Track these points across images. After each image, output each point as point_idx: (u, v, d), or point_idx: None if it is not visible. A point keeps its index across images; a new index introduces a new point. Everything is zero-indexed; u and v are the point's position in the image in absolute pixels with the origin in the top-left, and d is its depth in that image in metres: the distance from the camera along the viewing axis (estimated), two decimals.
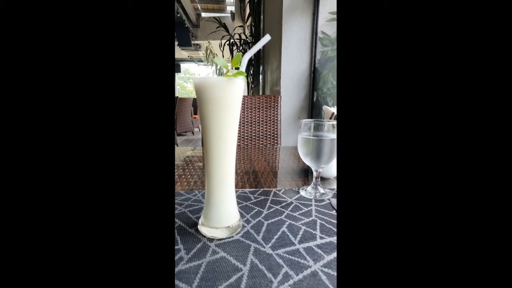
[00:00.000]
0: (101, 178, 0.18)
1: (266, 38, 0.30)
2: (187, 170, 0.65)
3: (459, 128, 0.16)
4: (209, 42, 6.04)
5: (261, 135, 1.19)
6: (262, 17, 2.34)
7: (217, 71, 6.19)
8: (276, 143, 1.18)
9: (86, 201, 0.17)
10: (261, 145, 1.18)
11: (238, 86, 0.31)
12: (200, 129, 0.33)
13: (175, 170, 0.65)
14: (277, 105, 1.21)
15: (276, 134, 1.19)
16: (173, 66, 0.20)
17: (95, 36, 0.17)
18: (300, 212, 0.42)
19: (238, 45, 2.53)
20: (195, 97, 0.32)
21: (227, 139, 0.32)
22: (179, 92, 11.33)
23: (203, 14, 6.64)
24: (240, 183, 0.56)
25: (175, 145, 3.66)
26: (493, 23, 0.15)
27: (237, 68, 0.31)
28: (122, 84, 0.18)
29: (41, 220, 0.16)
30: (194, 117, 5.12)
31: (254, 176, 0.61)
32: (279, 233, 0.35)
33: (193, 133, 5.07)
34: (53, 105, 0.17)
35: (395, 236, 0.17)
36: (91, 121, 0.17)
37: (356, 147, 0.18)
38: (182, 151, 0.89)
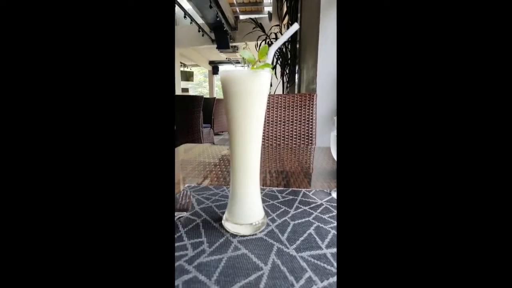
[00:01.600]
0: (101, 177, 0.18)
1: (294, 27, 0.29)
2: (218, 166, 0.67)
3: (459, 127, 0.16)
4: (246, 43, 6.15)
5: (295, 135, 1.16)
6: (299, 15, 2.29)
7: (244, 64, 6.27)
8: (311, 143, 1.14)
9: (85, 200, 0.17)
10: (295, 145, 1.15)
11: (264, 79, 0.30)
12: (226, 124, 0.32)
13: (207, 166, 0.67)
14: (312, 104, 1.17)
15: (311, 134, 1.15)
16: (173, 66, 0.20)
17: (94, 35, 0.17)
18: (330, 215, 0.39)
19: None
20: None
21: (253, 133, 0.31)
22: (217, 93, 11.77)
23: (241, 17, 6.80)
24: (268, 181, 0.55)
25: (212, 143, 3.81)
26: (493, 23, 0.15)
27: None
28: (121, 83, 0.18)
29: (41, 220, 0.16)
30: None
31: (284, 176, 0.59)
32: (305, 235, 0.33)
33: (227, 125, 5.22)
34: (53, 105, 0.17)
35: (395, 235, 0.17)
36: (89, 120, 0.17)
37: (356, 147, 0.18)
38: (218, 149, 0.91)
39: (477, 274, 0.15)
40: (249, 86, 0.29)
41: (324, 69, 1.52)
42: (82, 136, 0.17)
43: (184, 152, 0.85)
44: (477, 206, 0.15)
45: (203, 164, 0.69)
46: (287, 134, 1.16)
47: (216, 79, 11.01)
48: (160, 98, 0.19)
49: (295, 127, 1.17)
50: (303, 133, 1.16)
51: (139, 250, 0.18)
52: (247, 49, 0.29)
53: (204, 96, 3.48)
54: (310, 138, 1.15)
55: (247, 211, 0.34)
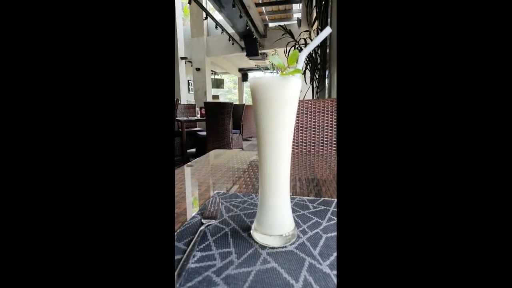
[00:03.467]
0: (100, 179, 0.18)
1: (327, 30, 0.27)
2: (246, 173, 0.66)
3: (459, 128, 0.16)
4: (275, 50, 6.19)
5: (326, 141, 1.12)
6: (329, 20, 2.24)
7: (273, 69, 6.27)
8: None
9: (84, 201, 0.17)
10: (325, 152, 1.11)
11: (294, 85, 0.29)
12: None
13: (236, 172, 0.67)
14: (331, 111, 1.12)
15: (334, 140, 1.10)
16: (172, 69, 0.20)
17: (94, 35, 0.17)
18: None
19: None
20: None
21: (282, 141, 0.30)
22: (246, 100, 11.98)
23: (270, 24, 6.88)
24: (299, 189, 0.53)
25: (242, 149, 3.86)
26: (493, 23, 0.15)
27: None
28: (121, 85, 0.18)
29: (41, 220, 0.17)
30: None
31: (315, 184, 0.57)
32: None
33: (255, 132, 5.25)
34: (53, 105, 0.17)
35: (395, 236, 0.17)
36: (90, 122, 0.17)
37: (356, 148, 0.18)
38: (247, 155, 0.91)
39: (476, 275, 0.15)
40: (279, 92, 0.28)
41: None
42: (81, 136, 0.18)
43: (214, 158, 0.86)
44: (477, 209, 0.15)
45: (232, 170, 0.69)
46: (317, 140, 1.13)
47: (246, 85, 11.23)
48: (159, 99, 0.19)
49: (326, 133, 1.12)
50: (334, 139, 1.11)
51: (138, 251, 0.18)
52: (277, 55, 0.28)
53: (234, 103, 3.56)
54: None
55: (277, 221, 0.32)
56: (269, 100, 0.29)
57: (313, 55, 2.48)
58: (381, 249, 0.17)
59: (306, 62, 2.45)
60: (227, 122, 3.02)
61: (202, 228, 0.36)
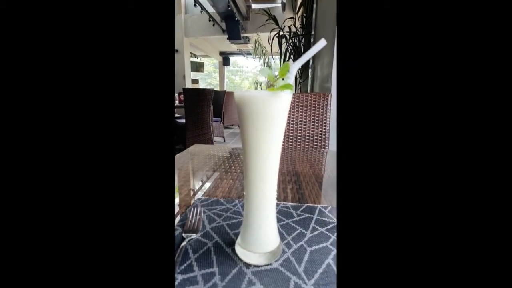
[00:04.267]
0: (99, 176, 0.17)
1: (321, 43, 0.25)
2: (229, 174, 0.65)
3: (459, 129, 0.16)
4: (258, 35, 6.02)
5: (308, 136, 1.13)
6: (314, 6, 2.19)
7: (265, 65, 6.15)
8: (324, 145, 1.10)
9: (84, 200, 0.17)
10: (307, 147, 1.12)
11: (284, 101, 0.27)
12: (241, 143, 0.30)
13: (218, 173, 0.65)
14: (326, 104, 1.12)
15: (324, 136, 1.11)
16: (172, 62, 0.19)
17: (93, 29, 0.17)
18: None
19: (288, 38, 2.44)
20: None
21: (270, 159, 0.29)
22: (227, 85, 11.71)
23: (253, 6, 6.62)
24: (282, 194, 0.53)
25: (223, 137, 3.80)
26: (493, 23, 0.15)
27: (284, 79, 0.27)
28: (120, 81, 0.17)
29: (40, 220, 0.16)
30: None
31: (298, 187, 0.57)
32: (323, 266, 0.31)
33: (239, 126, 5.20)
34: (52, 102, 0.16)
35: (396, 237, 0.17)
36: (88, 119, 0.17)
37: (356, 151, 0.18)
38: (229, 151, 0.89)
39: (475, 275, 0.15)
40: (267, 109, 0.27)
41: None
42: (80, 134, 0.17)
43: (195, 155, 0.83)
44: (478, 208, 0.15)
45: (214, 169, 0.67)
46: (299, 135, 1.13)
47: (227, 70, 10.93)
48: (159, 97, 0.18)
49: (308, 128, 1.13)
50: (316, 134, 1.12)
51: (138, 251, 0.18)
52: (259, 40, 0.26)
53: (214, 89, 3.46)
54: (323, 140, 1.11)
55: (262, 239, 0.31)
56: (257, 116, 0.27)
57: (297, 43, 2.43)
58: (381, 250, 0.17)
59: (289, 51, 2.41)
60: (207, 110, 2.93)
61: (183, 244, 0.34)
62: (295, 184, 0.58)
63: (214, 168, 0.69)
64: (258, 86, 8.52)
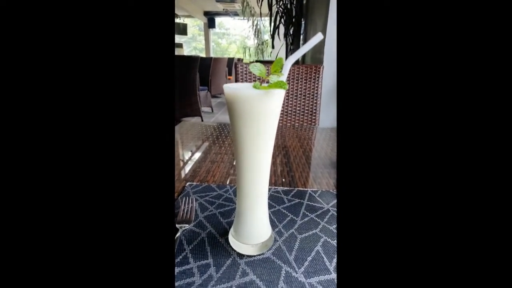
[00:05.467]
0: (97, 171, 0.17)
1: (318, 37, 0.23)
2: (219, 156, 0.64)
3: (459, 129, 0.16)
4: None
5: (298, 111, 1.11)
6: None
7: (255, 30, 5.78)
8: (314, 121, 1.10)
9: (82, 197, 0.17)
10: (297, 122, 1.11)
11: (276, 100, 0.25)
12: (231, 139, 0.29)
13: (208, 155, 0.64)
14: (318, 77, 1.09)
15: (315, 110, 1.10)
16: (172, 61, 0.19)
17: (91, 19, 0.16)
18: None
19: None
20: (230, 56, 0.28)
21: (262, 158, 0.28)
22: (213, 50, 11.07)
23: None
24: (273, 177, 0.53)
25: (210, 107, 3.72)
26: (493, 23, 0.15)
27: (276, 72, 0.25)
28: (120, 76, 0.17)
29: (37, 221, 0.16)
30: (229, 79, 5.04)
31: (289, 169, 0.58)
32: (313, 253, 0.33)
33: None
34: (50, 95, 0.16)
35: (396, 236, 0.16)
36: (86, 111, 0.17)
37: (357, 149, 0.18)
38: (218, 128, 0.88)
39: (477, 275, 0.15)
40: (259, 108, 0.25)
41: (334, 35, 1.38)
42: (78, 128, 0.17)
43: (183, 135, 0.81)
44: (479, 207, 0.15)
45: (203, 151, 0.66)
46: (290, 109, 1.11)
47: (212, 33, 10.22)
48: (160, 95, 0.18)
49: (298, 102, 1.11)
50: (307, 109, 1.11)
51: (137, 249, 0.18)
52: (257, 63, 0.24)
53: (200, 55, 3.27)
54: (314, 115, 1.10)
55: (255, 231, 0.32)
56: (248, 115, 0.26)
57: (288, 5, 2.27)
58: (382, 250, 0.17)
59: (280, 14, 2.25)
60: (193, 79, 2.80)
61: (177, 235, 0.34)
62: (286, 166, 0.59)
63: (205, 150, 0.69)
64: (247, 51, 8.10)
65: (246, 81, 1.10)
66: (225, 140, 0.75)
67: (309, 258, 0.32)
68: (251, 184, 0.30)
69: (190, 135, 0.80)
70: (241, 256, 0.32)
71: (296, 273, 0.30)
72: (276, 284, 0.28)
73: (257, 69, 0.24)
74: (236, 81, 1.11)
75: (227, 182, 0.51)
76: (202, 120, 3.17)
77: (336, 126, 0.19)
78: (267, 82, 0.25)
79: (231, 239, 0.34)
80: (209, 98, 3.71)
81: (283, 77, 0.25)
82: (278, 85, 0.24)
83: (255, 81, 0.92)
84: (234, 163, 0.59)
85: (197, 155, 0.65)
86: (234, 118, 0.27)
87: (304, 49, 0.24)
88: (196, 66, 2.80)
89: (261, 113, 0.25)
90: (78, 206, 0.17)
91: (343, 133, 0.18)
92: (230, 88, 0.25)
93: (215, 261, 0.31)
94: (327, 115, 1.46)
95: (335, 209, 0.43)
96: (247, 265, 0.31)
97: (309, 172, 0.56)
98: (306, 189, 0.49)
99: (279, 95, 0.25)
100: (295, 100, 1.11)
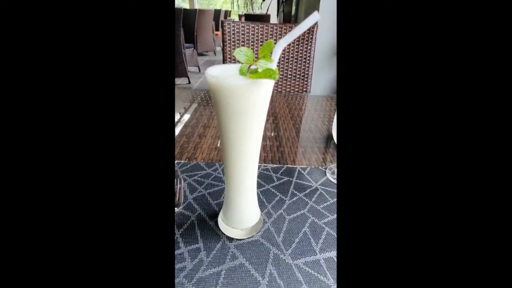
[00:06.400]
0: (94, 166, 0.17)
1: (314, 17, 0.20)
2: (208, 129, 0.62)
3: (460, 130, 0.15)
4: None
5: (289, 76, 1.06)
6: None
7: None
8: (305, 87, 1.06)
9: (81, 195, 0.17)
10: (288, 87, 1.07)
11: (265, 90, 0.23)
12: (217, 126, 0.27)
13: (195, 128, 0.62)
14: (311, 39, 1.02)
15: (307, 75, 1.05)
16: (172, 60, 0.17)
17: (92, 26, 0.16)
18: (325, 205, 0.39)
19: None
20: (216, 7, 0.25)
21: (250, 150, 0.27)
22: (197, 0, 9.97)
23: None
24: (263, 153, 0.53)
25: (197, 67, 3.51)
26: (493, 23, 0.15)
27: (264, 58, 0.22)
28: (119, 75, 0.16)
29: (34, 217, 0.16)
30: (216, 34, 4.67)
31: (278, 143, 0.57)
32: (300, 234, 0.34)
33: (215, 53, 4.74)
34: (48, 89, 0.16)
35: (397, 234, 0.16)
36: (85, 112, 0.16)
37: (357, 148, 0.17)
38: (201, 95, 0.83)
39: (478, 273, 0.15)
40: (247, 99, 0.23)
41: None
42: (78, 132, 0.17)
43: None
44: (479, 206, 0.15)
45: (189, 124, 0.64)
46: (280, 75, 1.06)
47: None
48: (159, 93, 0.17)
49: (289, 66, 1.05)
50: (298, 73, 1.06)
51: (136, 246, 0.18)
52: (242, 47, 0.21)
53: (183, 7, 2.95)
54: (305, 80, 1.06)
55: (244, 217, 0.33)
56: (234, 107, 0.23)
57: None
58: (382, 247, 0.17)
59: None
60: (177, 35, 2.57)
61: None
62: (276, 141, 0.58)
63: (192, 124, 0.66)
64: (235, 2, 7.37)
65: (234, 41, 1.01)
66: (212, 111, 0.72)
67: (297, 240, 0.33)
68: (239, 177, 0.29)
69: (176, 105, 0.76)
70: (230, 239, 0.33)
71: (284, 255, 0.31)
72: (264, 267, 0.30)
73: (243, 55, 0.21)
74: (223, 42, 1.02)
75: (216, 158, 0.50)
76: (189, 82, 3.02)
77: (336, 126, 0.17)
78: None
79: (220, 223, 0.34)
80: (196, 57, 3.48)
81: (273, 64, 0.22)
82: (267, 74, 0.21)
83: (243, 44, 0.85)
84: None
85: (185, 129, 0.62)
86: (219, 109, 0.24)
87: (298, 31, 0.21)
88: (179, 20, 2.55)
89: (249, 105, 0.23)
90: (69, 191, 0.16)
91: (344, 135, 0.17)
92: (215, 78, 0.22)
93: (205, 245, 0.32)
94: (319, 82, 1.41)
95: (324, 188, 0.43)
96: (237, 249, 0.32)
97: (299, 147, 0.56)
98: (295, 166, 0.49)
99: (269, 84, 0.23)
100: (286, 64, 1.06)
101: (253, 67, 0.23)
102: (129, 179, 0.17)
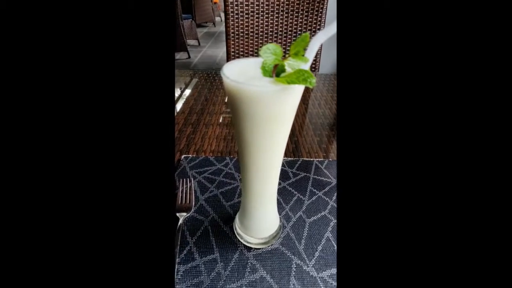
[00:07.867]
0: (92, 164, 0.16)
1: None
2: (214, 116, 0.57)
3: (460, 130, 0.15)
4: None
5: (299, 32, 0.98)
6: None
7: None
8: (315, 63, 0.98)
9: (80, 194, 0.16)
10: None
11: (296, 96, 0.19)
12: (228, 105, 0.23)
13: (202, 115, 0.58)
14: (322, 9, 0.92)
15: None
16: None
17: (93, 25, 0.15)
18: None
19: None
20: None
21: (273, 162, 0.23)
22: None
23: None
24: None
25: (197, 40, 3.33)
26: (494, 23, 0.14)
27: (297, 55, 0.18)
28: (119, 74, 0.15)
29: (33, 217, 0.16)
30: (215, 2, 4.35)
31: (291, 133, 0.53)
32: (323, 241, 0.32)
33: (214, 24, 4.46)
34: (47, 82, 0.15)
35: (397, 234, 0.16)
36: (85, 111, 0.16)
37: (357, 146, 0.16)
38: (206, 78, 0.77)
39: (478, 272, 0.15)
40: (272, 108, 0.18)
41: None
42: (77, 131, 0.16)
43: None
44: (480, 205, 0.15)
45: (196, 111, 0.59)
46: (287, 48, 0.98)
47: None
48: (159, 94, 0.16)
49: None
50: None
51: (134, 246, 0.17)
52: (270, 45, 0.16)
53: None
54: (315, 56, 0.98)
55: (263, 225, 0.30)
56: (256, 116, 0.19)
57: None
58: (383, 247, 0.16)
59: None
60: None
61: (180, 222, 0.32)
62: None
63: (198, 111, 0.61)
64: None
65: (238, 14, 0.92)
66: (218, 94, 0.67)
67: (319, 248, 0.31)
68: (258, 186, 0.26)
69: (178, 87, 0.71)
70: (248, 248, 0.31)
71: (308, 266, 0.29)
72: (287, 281, 0.28)
73: (271, 54, 0.16)
74: (226, 14, 0.92)
75: (225, 150, 0.46)
76: (189, 57, 2.88)
77: (336, 126, 0.16)
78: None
79: (237, 231, 0.32)
80: (195, 29, 3.27)
81: (307, 65, 0.17)
82: (301, 77, 0.16)
83: (252, 15, 0.76)
84: (233, 132, 0.53)
85: (190, 117, 0.58)
86: (240, 120, 0.20)
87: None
88: None
89: (274, 114, 0.19)
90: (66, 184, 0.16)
91: (344, 133, 0.16)
92: (232, 81, 0.17)
93: (222, 255, 0.30)
94: (328, 57, 1.31)
95: None
96: (256, 259, 0.30)
97: (314, 136, 0.52)
98: (311, 159, 0.45)
99: (300, 89, 0.18)
100: (294, 38, 0.97)
101: (281, 65, 0.18)
102: (124, 173, 0.16)
